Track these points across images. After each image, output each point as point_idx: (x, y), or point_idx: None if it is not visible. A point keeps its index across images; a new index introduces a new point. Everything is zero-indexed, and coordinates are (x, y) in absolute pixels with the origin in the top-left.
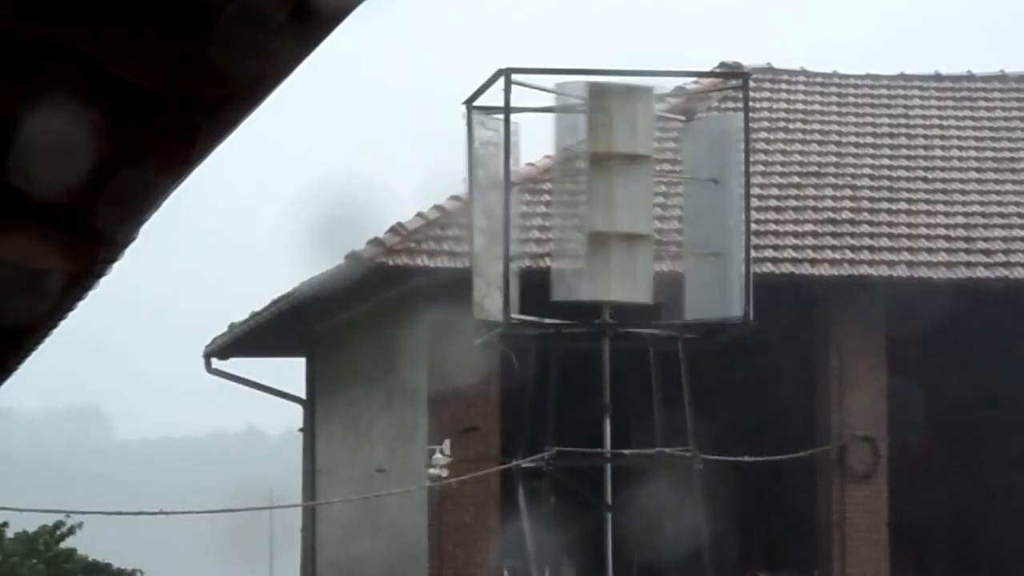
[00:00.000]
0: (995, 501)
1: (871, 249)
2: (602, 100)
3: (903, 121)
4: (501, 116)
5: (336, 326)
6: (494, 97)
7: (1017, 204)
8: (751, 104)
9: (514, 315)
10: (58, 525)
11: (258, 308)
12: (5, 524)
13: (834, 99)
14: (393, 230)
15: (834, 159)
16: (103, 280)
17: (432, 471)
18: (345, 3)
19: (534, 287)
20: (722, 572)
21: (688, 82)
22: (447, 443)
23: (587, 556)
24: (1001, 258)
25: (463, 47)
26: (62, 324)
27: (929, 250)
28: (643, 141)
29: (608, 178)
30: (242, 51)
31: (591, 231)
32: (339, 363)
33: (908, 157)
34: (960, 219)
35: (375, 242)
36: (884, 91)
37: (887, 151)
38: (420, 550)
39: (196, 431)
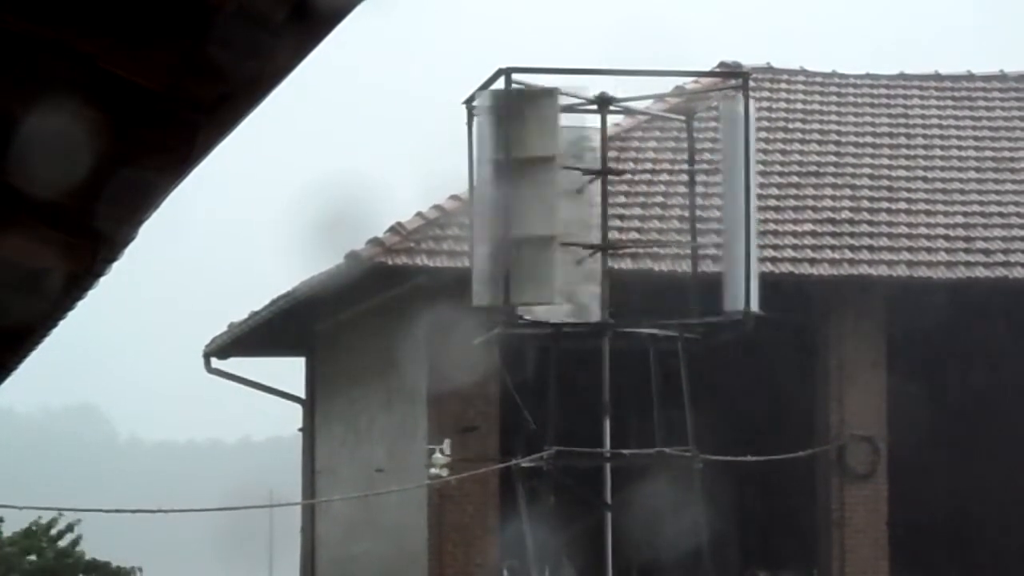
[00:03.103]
0: (995, 500)
1: (870, 249)
2: (513, 105)
3: (903, 121)
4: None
5: (336, 326)
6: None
7: (1016, 204)
8: (750, 104)
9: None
10: (52, 523)
11: (258, 307)
12: (1, 520)
13: (833, 99)
14: (393, 230)
15: (833, 159)
16: (102, 280)
17: (432, 470)
18: (345, 3)
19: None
20: (722, 571)
21: (688, 82)
22: (447, 443)
23: (587, 556)
24: (1000, 258)
25: (463, 47)
26: (61, 324)
27: (928, 250)
28: (549, 143)
29: (521, 182)
30: (242, 50)
31: (503, 236)
32: (339, 363)
33: (908, 157)
34: (959, 219)
35: (375, 242)
36: (884, 91)
37: (886, 151)
38: (419, 549)
39: (196, 431)
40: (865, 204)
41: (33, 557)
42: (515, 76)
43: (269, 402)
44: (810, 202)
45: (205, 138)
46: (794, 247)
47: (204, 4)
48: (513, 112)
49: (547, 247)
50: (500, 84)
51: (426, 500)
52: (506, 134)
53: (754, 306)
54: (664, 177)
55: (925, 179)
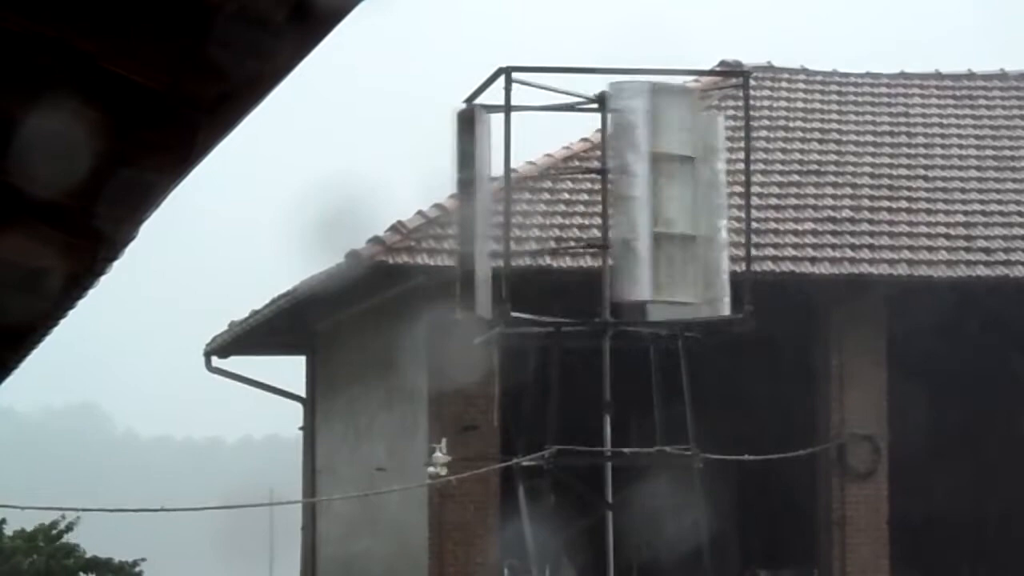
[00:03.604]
0: (995, 499)
1: (871, 248)
2: (656, 100)
3: (903, 120)
4: (500, 114)
5: (336, 324)
6: (494, 96)
7: (1017, 203)
8: (751, 103)
9: (513, 313)
10: (54, 524)
11: (258, 306)
12: (3, 521)
13: (834, 98)
14: (393, 228)
15: (834, 157)
16: (103, 279)
17: (432, 469)
18: (344, 3)
19: (534, 286)
20: (722, 570)
21: (688, 80)
22: (444, 441)
23: (587, 555)
24: (1001, 256)
25: (463, 46)
26: (62, 323)
27: (929, 248)
28: (688, 142)
29: (660, 179)
30: (242, 50)
31: (653, 231)
32: (339, 362)
33: (908, 156)
34: (960, 217)
35: (375, 240)
36: (884, 89)
37: (887, 149)
38: (420, 548)
39: (196, 430)
40: (866, 203)
41: (35, 557)
42: (515, 75)
43: (270, 401)
44: (811, 201)
45: (205, 138)
46: (795, 246)
47: (204, 4)
48: (655, 108)
49: (691, 245)
50: (500, 83)
51: (427, 499)
52: (651, 129)
53: (755, 305)
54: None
55: (926, 178)
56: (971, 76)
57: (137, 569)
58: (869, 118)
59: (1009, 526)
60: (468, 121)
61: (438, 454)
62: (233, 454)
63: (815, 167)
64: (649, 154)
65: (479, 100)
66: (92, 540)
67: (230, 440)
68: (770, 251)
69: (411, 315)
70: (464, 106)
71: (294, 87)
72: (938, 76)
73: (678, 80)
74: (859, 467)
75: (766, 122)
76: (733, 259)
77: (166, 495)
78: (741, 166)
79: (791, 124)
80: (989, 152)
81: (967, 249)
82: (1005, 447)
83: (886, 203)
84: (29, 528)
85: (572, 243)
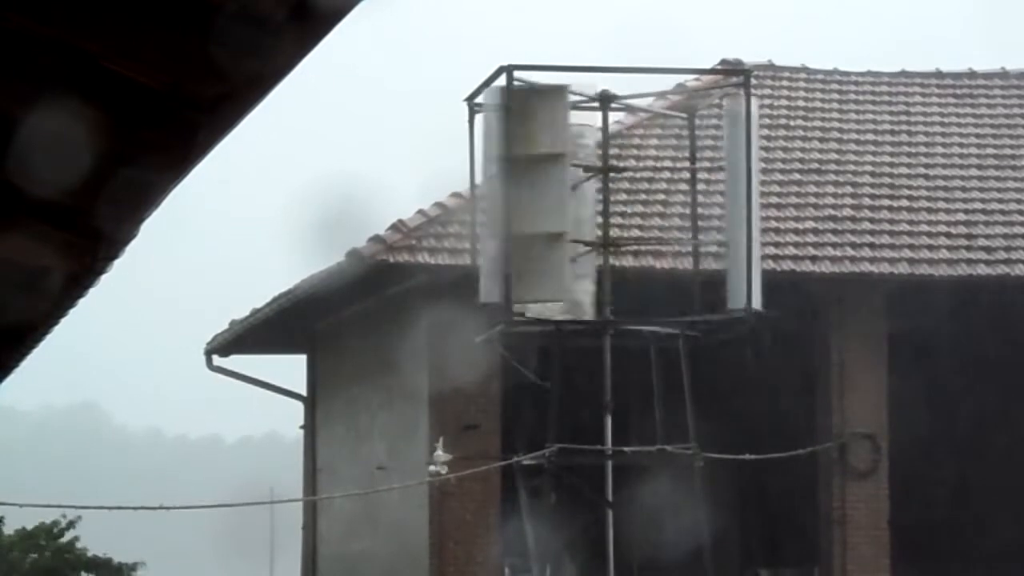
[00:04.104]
0: (996, 498)
1: (872, 246)
2: (520, 102)
3: (904, 118)
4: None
5: (337, 323)
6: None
7: (1018, 201)
8: (753, 101)
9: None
10: (56, 523)
11: (259, 305)
12: (2, 519)
13: (835, 96)
14: (394, 227)
15: (835, 156)
16: (103, 278)
17: (432, 468)
18: (345, 2)
19: None
20: (723, 569)
21: (689, 79)
22: (442, 440)
23: (588, 553)
24: (1002, 255)
25: (465, 45)
26: (62, 322)
27: (930, 247)
28: (558, 140)
29: (527, 179)
30: (242, 49)
31: (515, 233)
32: (340, 360)
33: (909, 154)
34: (961, 216)
35: (376, 239)
36: (885, 88)
37: (888, 148)
38: (421, 547)
39: (197, 428)
40: (867, 202)
41: (35, 556)
42: (517, 73)
43: (270, 400)
44: (812, 200)
45: (205, 138)
46: (796, 245)
47: (204, 4)
48: (522, 108)
49: (556, 244)
50: (502, 81)
51: (427, 498)
52: (513, 130)
53: (756, 304)
54: (666, 175)
55: (927, 176)
56: (972, 75)
57: (136, 573)
58: (870, 117)
59: (1009, 524)
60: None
61: (439, 453)
62: (233, 453)
63: (816, 166)
64: (504, 157)
65: (479, 99)
66: (92, 539)
67: (230, 439)
68: (771, 250)
69: (412, 314)
70: (466, 105)
71: (294, 87)
72: (939, 75)
73: (680, 78)
74: (859, 467)
75: (767, 121)
76: (717, 258)
77: (166, 494)
78: (732, 166)
79: (792, 123)
80: (990, 151)
81: (968, 248)
82: (1005, 447)
83: (887, 202)
84: (29, 527)
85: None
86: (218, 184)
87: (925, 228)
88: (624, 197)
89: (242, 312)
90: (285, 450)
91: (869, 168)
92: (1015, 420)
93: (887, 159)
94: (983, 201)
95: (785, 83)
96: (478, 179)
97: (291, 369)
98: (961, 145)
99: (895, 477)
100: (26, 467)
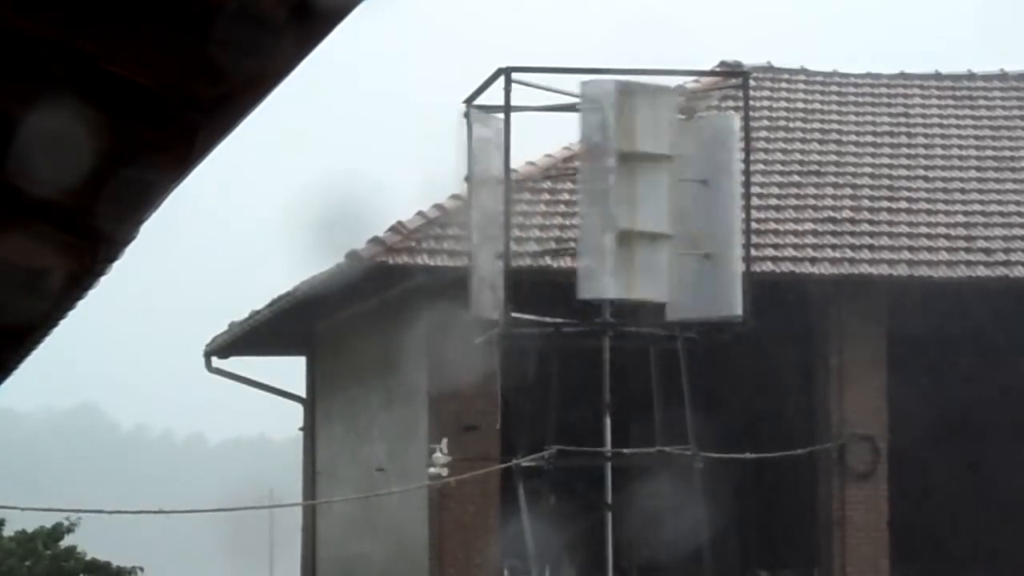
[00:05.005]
0: (995, 499)
1: (871, 248)
2: (628, 100)
3: (903, 120)
4: (500, 115)
5: (336, 325)
6: (494, 96)
7: (1017, 203)
8: (751, 103)
9: (513, 314)
10: (57, 525)
11: (258, 307)
12: (2, 522)
13: (834, 98)
14: (393, 229)
15: (834, 158)
16: (103, 279)
17: (432, 470)
18: (345, 3)
19: (534, 286)
20: (722, 571)
21: (688, 81)
22: (444, 442)
23: (587, 555)
24: (1001, 257)
25: (464, 47)
26: (62, 324)
27: (929, 249)
28: (664, 142)
29: (633, 177)
30: (242, 50)
31: (618, 230)
32: (339, 362)
33: (908, 156)
34: (960, 218)
35: (375, 241)
36: (884, 90)
37: (887, 150)
38: (420, 549)
39: (196, 430)
40: (866, 203)
41: (29, 563)
42: (515, 75)
43: (270, 401)
44: (811, 201)
45: (205, 138)
46: (795, 246)
47: (204, 4)
48: (625, 106)
49: (662, 244)
50: (499, 84)
51: (427, 500)
52: (618, 128)
53: (737, 309)
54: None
55: (926, 178)
56: (971, 76)
57: None
58: (869, 118)
59: (1009, 526)
60: (477, 120)
61: (438, 455)
62: (233, 455)
63: (815, 167)
64: (617, 153)
65: (479, 100)
66: (93, 541)
67: (230, 441)
68: (770, 251)
69: (411, 315)
70: (465, 106)
71: (294, 87)
72: (938, 76)
73: (679, 80)
74: (859, 467)
75: (766, 122)
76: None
77: (166, 496)
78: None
79: (791, 124)
80: (989, 152)
81: (967, 250)
82: (1005, 447)
83: (886, 203)
84: (30, 529)
85: (572, 243)
86: (218, 185)
87: (924, 230)
88: None
89: (242, 313)
90: (285, 452)
91: (868, 170)
92: (1015, 421)
93: (886, 160)
94: (982, 203)
95: (784, 85)
96: (477, 179)
97: (290, 370)
98: (960, 147)
99: (894, 478)
100: (26, 469)
